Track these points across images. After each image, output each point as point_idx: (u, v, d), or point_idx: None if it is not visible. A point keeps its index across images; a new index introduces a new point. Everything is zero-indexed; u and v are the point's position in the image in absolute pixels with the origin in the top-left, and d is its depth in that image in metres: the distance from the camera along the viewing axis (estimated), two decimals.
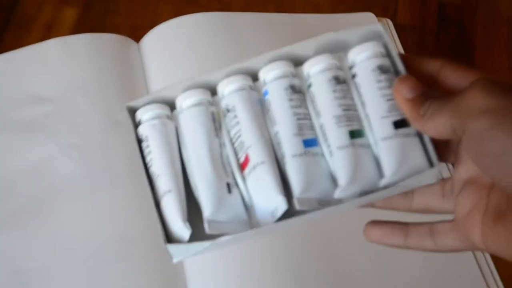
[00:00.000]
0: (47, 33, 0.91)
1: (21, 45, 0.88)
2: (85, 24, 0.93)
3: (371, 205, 0.49)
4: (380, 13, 0.92)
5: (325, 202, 0.46)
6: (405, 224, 0.49)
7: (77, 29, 0.92)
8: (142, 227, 0.75)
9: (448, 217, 0.48)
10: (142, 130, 0.49)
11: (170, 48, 0.88)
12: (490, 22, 0.94)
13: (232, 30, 0.89)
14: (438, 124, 0.43)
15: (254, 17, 0.91)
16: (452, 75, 0.47)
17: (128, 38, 0.90)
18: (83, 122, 0.83)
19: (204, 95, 0.49)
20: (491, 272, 0.72)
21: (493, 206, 0.44)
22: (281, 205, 0.46)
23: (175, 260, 0.46)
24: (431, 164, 0.46)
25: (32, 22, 0.93)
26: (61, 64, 0.86)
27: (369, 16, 0.90)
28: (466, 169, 0.46)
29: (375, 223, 0.50)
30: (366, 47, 0.48)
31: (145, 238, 0.75)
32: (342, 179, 0.46)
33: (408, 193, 0.48)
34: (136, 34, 0.90)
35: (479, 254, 0.73)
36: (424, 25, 0.94)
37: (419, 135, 0.47)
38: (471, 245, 0.46)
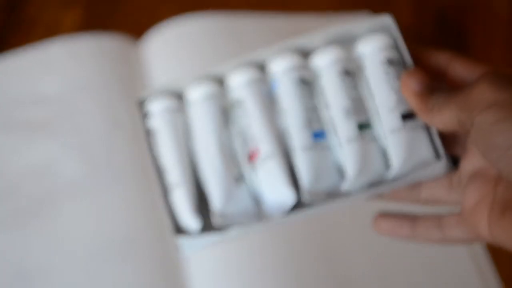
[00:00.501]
0: (49, 34, 0.91)
1: (23, 46, 0.89)
2: (87, 24, 0.93)
3: (379, 196, 0.49)
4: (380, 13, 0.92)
5: (333, 195, 0.47)
6: (414, 216, 0.49)
7: (79, 29, 0.92)
8: (143, 227, 0.75)
9: (456, 209, 0.48)
10: (152, 121, 0.49)
11: (171, 47, 0.88)
12: (489, 22, 0.94)
13: (232, 29, 0.90)
14: (445, 118, 0.43)
15: (254, 16, 0.92)
16: (461, 68, 0.47)
17: (130, 38, 0.90)
18: (85, 122, 0.83)
19: (213, 87, 0.49)
20: (491, 272, 0.72)
21: (500, 199, 0.44)
22: (289, 199, 0.46)
23: (184, 254, 0.46)
24: (438, 156, 0.46)
25: (35, 22, 0.93)
26: (63, 65, 0.87)
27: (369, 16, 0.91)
28: (473, 161, 0.46)
29: (384, 215, 0.50)
30: (374, 39, 0.48)
31: (146, 238, 0.75)
32: (350, 172, 0.46)
33: (416, 185, 0.49)
34: (138, 33, 0.90)
35: (478, 255, 0.73)
36: (424, 25, 0.94)
37: (426, 128, 0.47)
38: (477, 237, 0.46)
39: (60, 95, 0.84)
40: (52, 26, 0.93)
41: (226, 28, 0.90)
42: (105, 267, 0.73)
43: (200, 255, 0.73)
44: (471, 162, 0.47)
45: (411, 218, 0.49)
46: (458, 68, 0.47)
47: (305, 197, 0.46)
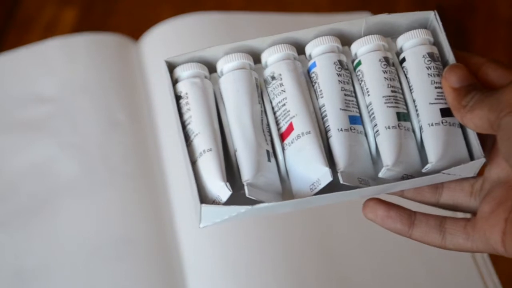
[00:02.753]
0: (48, 33, 0.91)
1: (21, 45, 0.88)
2: (85, 24, 0.93)
3: (400, 194, 0.48)
4: (379, 13, 0.92)
5: (364, 181, 0.46)
6: (414, 213, 0.47)
7: (77, 29, 0.92)
8: (142, 226, 0.75)
9: (466, 215, 0.47)
10: (182, 86, 0.47)
11: (169, 48, 0.88)
12: (489, 23, 0.94)
13: (232, 30, 0.89)
14: (476, 117, 0.43)
15: (253, 17, 0.91)
16: (493, 73, 0.46)
17: (128, 38, 0.90)
18: (83, 122, 0.83)
19: (247, 60, 0.48)
20: (490, 274, 0.72)
21: None
22: (325, 177, 0.45)
23: (202, 225, 0.45)
24: (471, 156, 0.46)
25: (33, 22, 0.93)
26: (61, 64, 0.87)
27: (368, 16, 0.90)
28: (499, 170, 0.46)
29: (381, 201, 0.48)
30: (416, 34, 0.48)
31: (145, 238, 0.75)
32: (389, 159, 0.45)
33: (438, 187, 0.48)
34: (136, 34, 0.90)
35: (478, 256, 0.73)
36: None
37: (462, 127, 0.46)
38: (485, 246, 0.45)
39: (58, 94, 0.84)
40: (50, 25, 0.93)
41: (225, 28, 0.89)
42: (103, 267, 0.73)
43: (198, 254, 0.73)
44: (495, 170, 0.46)
45: (411, 213, 0.47)
46: (491, 72, 0.46)
47: (340, 178, 0.45)
